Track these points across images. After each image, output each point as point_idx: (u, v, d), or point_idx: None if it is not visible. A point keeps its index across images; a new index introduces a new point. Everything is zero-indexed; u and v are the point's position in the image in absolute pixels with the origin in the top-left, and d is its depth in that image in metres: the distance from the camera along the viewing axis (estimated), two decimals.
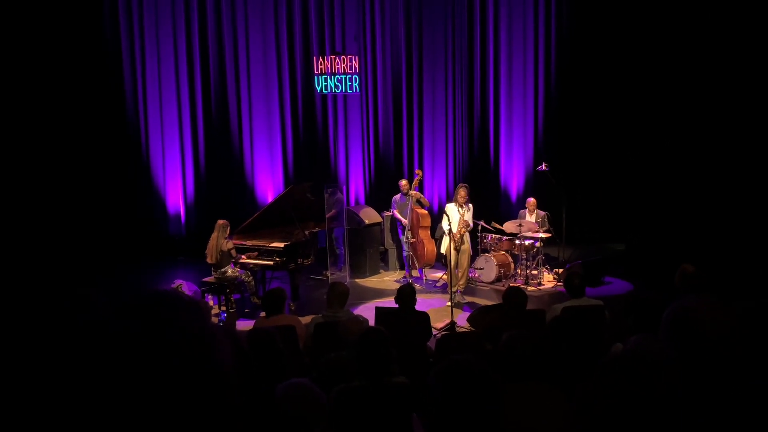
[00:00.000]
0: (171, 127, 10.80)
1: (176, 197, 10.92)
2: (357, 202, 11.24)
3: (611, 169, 10.76)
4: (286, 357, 3.12)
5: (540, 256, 8.38)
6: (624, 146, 10.61)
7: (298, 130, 11.19)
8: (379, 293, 8.00)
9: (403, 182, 8.86)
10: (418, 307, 6.16)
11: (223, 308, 7.04)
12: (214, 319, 5.83)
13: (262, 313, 4.67)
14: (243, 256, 7.25)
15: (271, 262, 7.24)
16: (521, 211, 9.01)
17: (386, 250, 9.57)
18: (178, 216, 10.94)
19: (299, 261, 7.32)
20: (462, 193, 7.30)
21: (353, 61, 9.78)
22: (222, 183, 10.93)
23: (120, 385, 0.74)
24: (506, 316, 4.37)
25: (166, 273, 9.29)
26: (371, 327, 3.49)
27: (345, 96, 11.13)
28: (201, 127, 10.92)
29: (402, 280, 8.56)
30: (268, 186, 11.15)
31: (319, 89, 10.53)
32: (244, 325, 6.20)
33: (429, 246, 8.43)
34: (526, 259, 8.32)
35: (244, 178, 11.07)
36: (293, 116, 11.13)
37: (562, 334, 3.67)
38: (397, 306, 4.60)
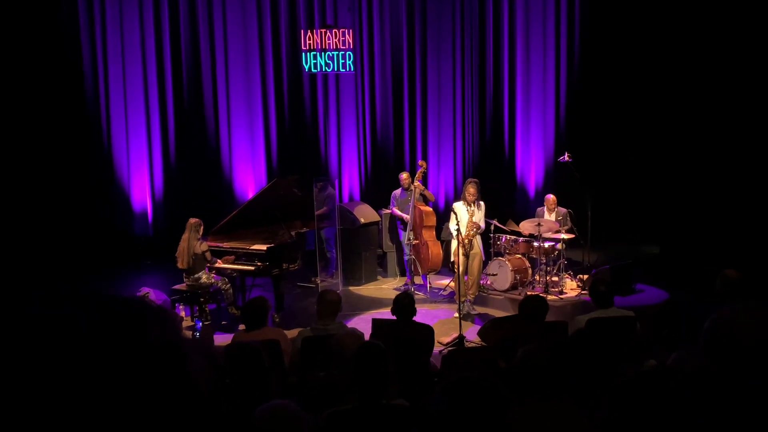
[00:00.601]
0: (136, 111, 10.79)
1: (142, 192, 10.91)
2: (351, 198, 11.24)
3: (644, 161, 10.79)
4: (269, 374, 3.13)
5: (562, 261, 8.39)
6: (659, 134, 10.65)
7: (282, 115, 11.19)
8: (377, 303, 8.01)
9: (404, 175, 8.86)
10: (421, 318, 6.16)
11: (198, 319, 7.03)
12: (188, 333, 5.83)
13: (242, 326, 4.66)
14: (219, 261, 7.25)
15: (252, 267, 7.24)
16: (539, 208, 9.03)
17: (385, 254, 9.58)
18: (145, 214, 10.94)
19: (284, 266, 7.32)
20: (471, 190, 7.29)
21: (347, 36, 9.78)
22: (195, 176, 10.92)
23: (77, 397, 0.75)
24: (523, 329, 4.37)
25: (130, 279, 9.29)
26: (367, 341, 3.50)
27: (337, 76, 11.12)
28: (171, 111, 10.91)
29: (403, 288, 8.57)
30: (249, 179, 11.15)
31: (307, 68, 10.49)
32: (222, 339, 6.20)
33: (434, 249, 8.44)
34: (546, 264, 8.33)
35: (221, 171, 11.07)
36: (277, 100, 11.13)
37: (587, 349, 3.66)
38: (395, 318, 4.60)
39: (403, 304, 4.53)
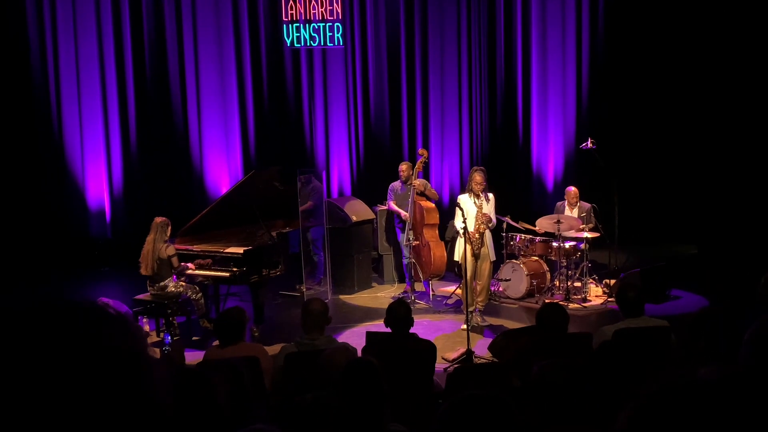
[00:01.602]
0: (91, 93, 10.77)
1: (99, 187, 10.90)
2: (341, 193, 11.24)
3: (679, 149, 10.82)
4: (249, 397, 3.14)
5: (585, 263, 8.41)
6: (698, 116, 10.67)
7: (261, 98, 11.18)
8: (372, 314, 8.02)
9: (404, 166, 8.86)
10: (423, 331, 6.19)
11: (166, 333, 7.04)
12: (155, 350, 5.84)
13: (216, 342, 4.67)
14: (190, 266, 7.25)
15: (227, 274, 7.24)
16: (559, 203, 9.05)
17: (380, 257, 9.59)
18: (102, 212, 10.92)
19: (264, 272, 7.33)
20: (477, 178, 7.30)
21: (335, 5, 9.80)
22: (160, 168, 10.92)
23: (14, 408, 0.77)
24: (540, 343, 4.39)
25: (86, 288, 9.28)
26: (358, 358, 3.51)
27: (324, 51, 11.11)
28: (131, 93, 10.90)
29: (401, 296, 8.58)
30: (223, 172, 11.15)
31: (289, 42, 10.53)
32: (193, 356, 6.20)
33: (437, 250, 8.44)
34: (567, 268, 8.35)
35: (190, 162, 11.07)
36: (255, 80, 11.13)
37: (614, 364, 3.69)
38: (389, 330, 4.62)
39: (398, 314, 4.52)
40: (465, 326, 6.79)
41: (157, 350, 5.33)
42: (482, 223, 7.27)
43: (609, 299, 8.10)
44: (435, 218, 8.57)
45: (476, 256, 7.34)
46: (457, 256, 7.58)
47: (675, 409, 0.92)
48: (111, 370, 0.83)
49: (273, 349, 4.81)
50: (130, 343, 0.87)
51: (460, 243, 7.42)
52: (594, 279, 8.64)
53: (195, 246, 7.48)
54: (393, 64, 11.36)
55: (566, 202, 8.88)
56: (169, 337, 6.63)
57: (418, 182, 8.50)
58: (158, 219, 7.19)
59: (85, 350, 0.83)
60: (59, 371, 0.81)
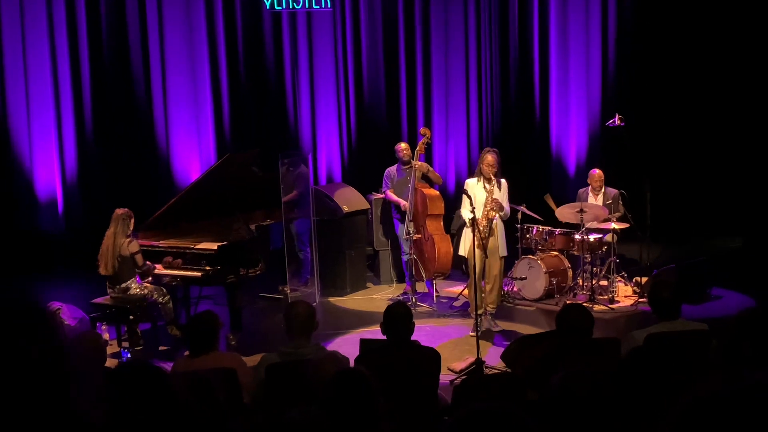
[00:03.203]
0: (39, 64, 10.71)
1: (50, 174, 10.87)
2: (330, 180, 11.24)
3: (723, 126, 10.82)
4: (224, 414, 3.15)
5: (612, 259, 8.43)
6: (741, 91, 10.66)
7: (236, 68, 11.16)
8: (366, 319, 8.04)
9: (403, 146, 8.86)
10: (426, 338, 6.19)
11: (126, 344, 7.05)
12: (113, 362, 5.84)
13: (186, 352, 4.68)
14: (157, 266, 7.25)
15: (199, 273, 7.24)
16: (582, 189, 9.06)
17: (376, 253, 9.60)
18: (54, 203, 10.90)
19: (241, 271, 7.33)
20: (489, 159, 7.29)
21: None
22: (120, 152, 10.89)
23: None
24: (561, 350, 4.40)
25: (36, 291, 9.27)
26: (348, 368, 3.51)
27: (309, 15, 11.09)
28: (85, 63, 10.85)
29: (401, 297, 8.60)
30: (193, 157, 11.14)
31: (268, 4, 10.49)
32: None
33: (442, 245, 8.45)
34: (591, 264, 8.37)
35: (155, 144, 11.05)
36: (229, 47, 11.10)
37: (645, 373, 3.68)
38: (386, 338, 4.62)
39: (397, 317, 4.52)
40: (474, 332, 6.80)
41: (116, 362, 5.34)
42: (492, 209, 7.23)
43: (640, 300, 8.13)
44: (439, 208, 8.56)
45: (485, 251, 7.29)
46: (463, 251, 7.58)
47: (722, 420, 0.93)
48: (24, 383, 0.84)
49: (252, 360, 4.82)
50: (50, 354, 0.87)
51: (466, 235, 7.40)
52: (623, 277, 8.66)
53: (161, 241, 7.47)
54: (389, 29, 11.33)
55: (590, 188, 8.89)
56: (127, 353, 6.66)
57: (420, 164, 8.50)
58: (119, 210, 7.19)
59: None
60: None
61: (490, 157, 7.31)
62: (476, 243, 6.97)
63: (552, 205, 8.73)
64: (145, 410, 2.58)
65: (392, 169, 8.90)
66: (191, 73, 11.07)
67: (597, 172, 8.91)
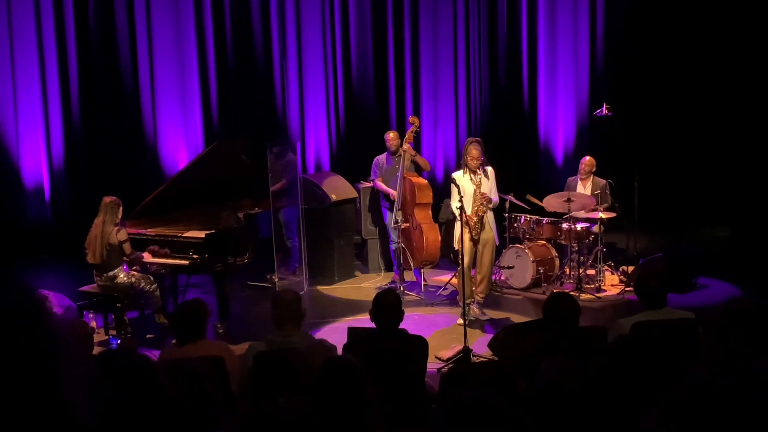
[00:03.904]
0: (25, 50, 10.62)
1: (36, 161, 10.81)
2: (318, 168, 11.23)
3: (711, 115, 10.85)
4: (212, 403, 3.15)
5: (599, 248, 8.45)
6: (732, 79, 10.68)
7: (224, 55, 11.11)
8: (355, 307, 8.05)
9: (392, 135, 8.86)
10: (414, 327, 6.20)
11: (113, 332, 7.04)
12: (100, 350, 5.83)
13: (173, 340, 4.68)
14: (144, 254, 7.24)
15: (186, 262, 7.23)
16: (570, 178, 9.08)
17: (364, 242, 9.61)
18: (41, 190, 10.85)
19: (229, 259, 7.32)
20: (473, 152, 7.29)
21: None
22: (107, 138, 10.84)
23: None
24: (548, 339, 4.42)
25: (23, 278, 9.20)
26: (336, 357, 3.51)
27: (297, 2, 11.06)
28: (72, 49, 10.77)
29: (389, 286, 8.61)
30: (180, 143, 11.10)
31: None
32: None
33: (430, 234, 8.46)
34: (579, 253, 8.40)
35: (142, 131, 11.00)
36: (217, 33, 11.05)
37: (632, 362, 3.71)
38: (375, 326, 4.63)
39: (385, 306, 4.53)
40: (462, 320, 6.82)
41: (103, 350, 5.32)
42: (481, 204, 7.26)
43: (627, 289, 8.16)
44: (428, 197, 8.57)
45: (475, 241, 7.34)
46: (457, 243, 7.59)
47: (712, 410, 0.93)
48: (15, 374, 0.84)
49: (240, 348, 4.81)
50: (43, 345, 0.87)
51: (458, 227, 7.42)
52: (610, 266, 8.68)
53: (149, 230, 7.45)
54: (378, 17, 11.31)
55: (579, 176, 8.90)
56: (116, 340, 6.64)
57: (408, 147, 8.48)
58: (107, 198, 7.15)
59: None
60: None
61: (474, 151, 7.30)
62: (465, 234, 7.02)
63: (536, 201, 8.74)
64: (130, 398, 2.57)
65: (381, 158, 8.89)
66: (179, 60, 11.02)
67: (588, 158, 8.92)
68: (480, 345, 6.58)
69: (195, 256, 7.19)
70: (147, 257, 7.25)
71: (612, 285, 8.51)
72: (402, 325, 4.62)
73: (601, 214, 8.32)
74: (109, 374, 2.59)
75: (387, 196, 8.75)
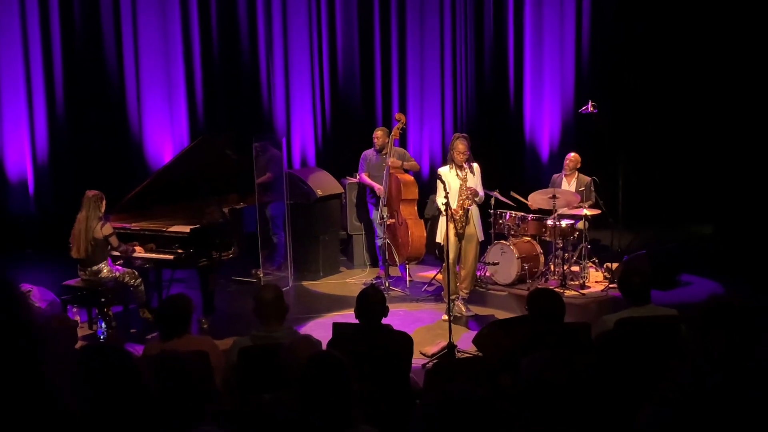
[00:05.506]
0: (9, 42, 10.55)
1: (19, 154, 10.75)
2: (304, 164, 11.21)
3: (694, 114, 10.90)
4: (197, 398, 3.13)
5: (584, 245, 8.49)
6: (717, 78, 10.72)
7: (210, 51, 11.07)
8: (340, 302, 8.06)
9: (378, 132, 8.85)
10: (399, 322, 6.21)
11: (100, 326, 7.01)
12: (84, 344, 5.79)
13: (157, 334, 4.66)
14: (132, 248, 7.21)
15: (171, 256, 7.21)
16: (556, 175, 9.10)
17: (350, 237, 9.60)
18: (24, 184, 10.79)
19: (214, 254, 7.30)
20: (460, 147, 7.28)
21: None
22: (92, 133, 10.79)
23: None
24: (532, 334, 4.43)
25: (5, 272, 9.15)
26: (321, 352, 3.51)
27: None
28: (57, 42, 10.72)
29: (374, 282, 8.61)
30: (166, 137, 11.05)
31: None
32: (131, 352, 6.18)
33: (415, 230, 8.46)
34: (563, 249, 8.43)
35: (127, 125, 10.96)
36: (203, 28, 11.00)
37: (616, 358, 3.72)
38: (359, 322, 4.63)
39: (370, 301, 4.53)
40: (446, 316, 6.83)
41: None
42: (467, 197, 7.26)
43: (611, 285, 8.20)
44: (414, 193, 8.57)
45: (460, 237, 7.34)
46: (440, 238, 7.59)
47: (698, 407, 0.94)
48: None
49: (224, 344, 4.80)
50: (23, 338, 0.87)
51: (442, 222, 7.42)
52: (594, 262, 8.72)
53: (133, 224, 7.43)
54: (364, 13, 11.29)
55: (563, 173, 8.92)
56: (103, 331, 6.61)
57: (393, 160, 8.49)
58: (90, 193, 7.12)
59: None
60: None
61: (460, 146, 7.29)
62: (450, 231, 7.02)
63: (520, 198, 8.76)
64: (112, 392, 2.56)
65: (368, 153, 8.88)
66: (164, 55, 10.97)
67: (572, 156, 8.95)
68: (465, 341, 6.58)
69: (179, 251, 7.17)
70: (139, 249, 7.23)
71: (596, 281, 8.56)
72: (387, 321, 4.62)
73: (586, 211, 8.36)
74: (89, 367, 2.58)
75: (373, 191, 8.74)
